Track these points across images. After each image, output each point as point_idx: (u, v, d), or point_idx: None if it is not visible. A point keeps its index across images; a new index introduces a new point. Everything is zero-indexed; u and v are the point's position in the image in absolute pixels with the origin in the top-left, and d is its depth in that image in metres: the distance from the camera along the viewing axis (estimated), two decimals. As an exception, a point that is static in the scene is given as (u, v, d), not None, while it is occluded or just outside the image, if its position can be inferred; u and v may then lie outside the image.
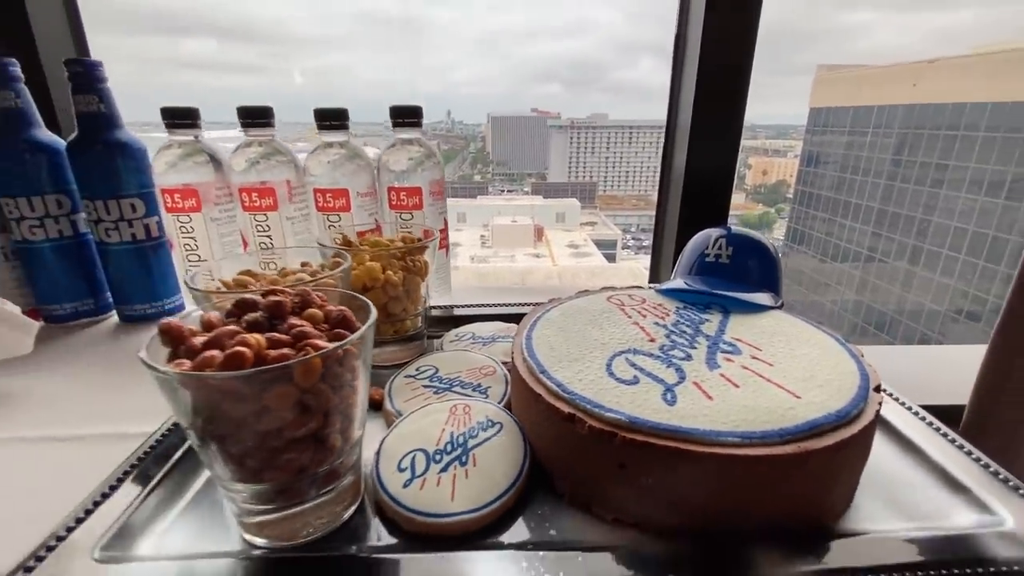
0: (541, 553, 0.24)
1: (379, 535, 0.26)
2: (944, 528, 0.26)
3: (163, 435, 0.33)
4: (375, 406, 0.36)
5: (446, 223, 0.57)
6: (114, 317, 0.57)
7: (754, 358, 0.31)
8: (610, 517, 0.26)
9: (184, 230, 0.52)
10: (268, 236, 0.53)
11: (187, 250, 0.53)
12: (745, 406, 0.26)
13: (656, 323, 0.36)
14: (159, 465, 0.30)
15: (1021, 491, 0.28)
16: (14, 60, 0.50)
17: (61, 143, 0.52)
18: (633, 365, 0.30)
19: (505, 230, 22.21)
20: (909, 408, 0.36)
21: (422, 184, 0.53)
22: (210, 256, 0.53)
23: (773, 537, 0.25)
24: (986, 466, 0.29)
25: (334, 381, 0.23)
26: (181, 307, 0.58)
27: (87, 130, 0.50)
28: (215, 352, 0.21)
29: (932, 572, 0.23)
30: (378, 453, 0.29)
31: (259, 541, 0.25)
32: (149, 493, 0.28)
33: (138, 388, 0.44)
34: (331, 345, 0.22)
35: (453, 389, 0.36)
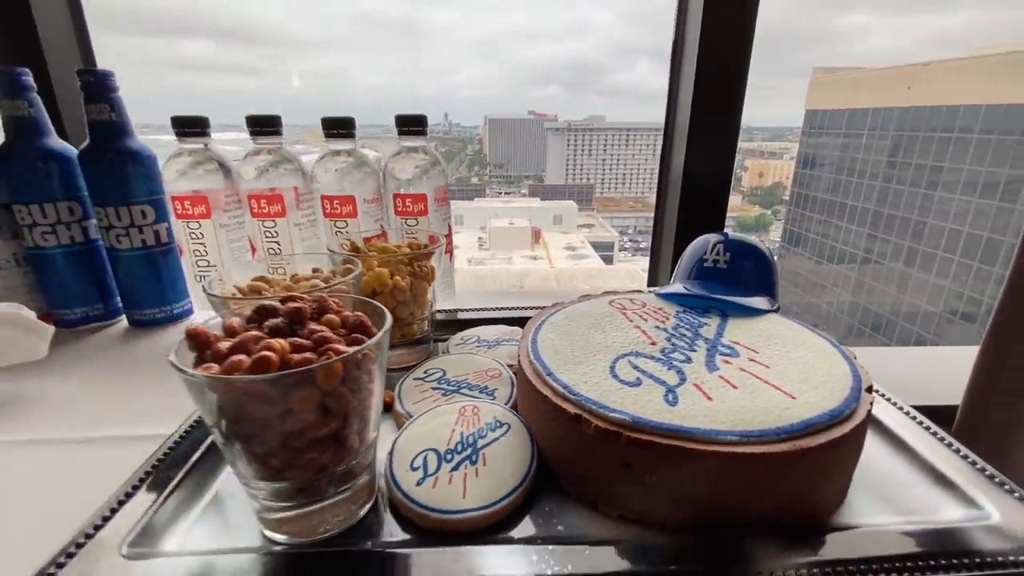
0: (550, 547, 0.25)
1: (393, 532, 0.27)
2: (933, 522, 0.27)
3: (180, 437, 0.34)
4: (386, 408, 0.38)
5: (450, 228, 0.58)
6: (123, 321, 0.58)
7: (751, 360, 0.32)
8: (615, 513, 0.27)
9: (194, 236, 0.53)
10: (276, 242, 0.54)
11: (196, 256, 0.54)
12: (743, 406, 0.27)
13: (657, 327, 0.37)
14: (178, 466, 0.31)
15: (1006, 487, 0.29)
16: (26, 70, 0.51)
17: (73, 151, 0.53)
18: (636, 367, 0.31)
19: (502, 232, 22.24)
20: (901, 408, 0.37)
21: (427, 191, 0.54)
22: (219, 262, 0.54)
23: (770, 531, 0.26)
24: (973, 463, 0.31)
25: (353, 384, 0.24)
26: (190, 311, 0.59)
27: (99, 138, 0.51)
28: (242, 357, 0.22)
29: (922, 563, 0.24)
30: (391, 453, 0.30)
31: (279, 537, 0.26)
32: (170, 493, 0.29)
33: (149, 391, 0.45)
34: (352, 349, 0.23)
35: (461, 391, 0.37)
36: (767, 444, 0.25)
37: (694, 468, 0.25)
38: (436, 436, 0.31)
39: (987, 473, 0.30)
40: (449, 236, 0.58)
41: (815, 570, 0.24)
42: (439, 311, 0.55)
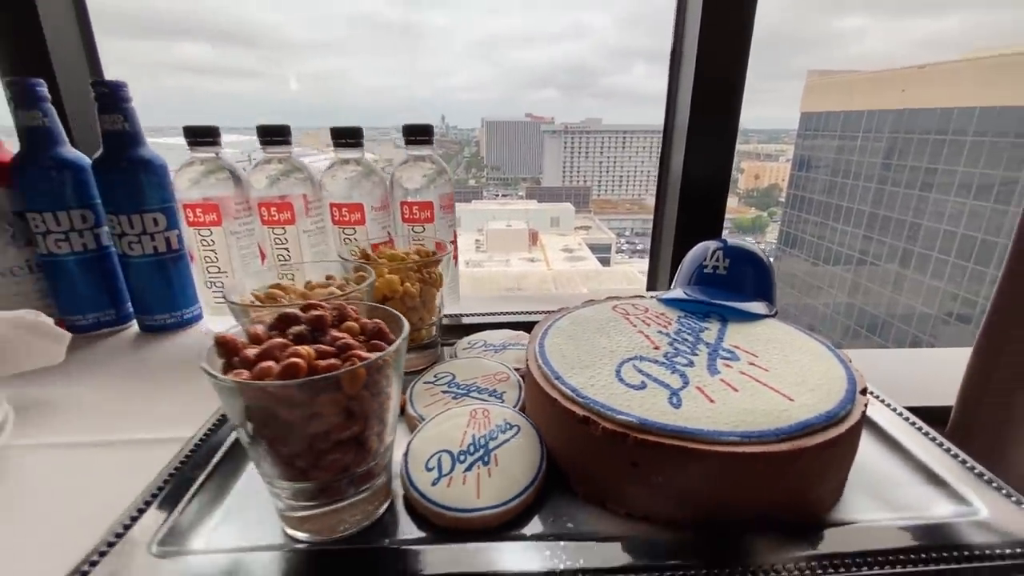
0: (562, 543, 0.26)
1: (410, 530, 0.28)
2: (925, 518, 0.28)
3: (200, 441, 0.35)
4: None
5: (455, 234, 0.59)
6: (134, 327, 0.59)
7: (751, 364, 0.33)
8: (623, 511, 0.29)
9: (205, 243, 0.54)
10: (286, 248, 0.55)
11: (207, 262, 0.55)
12: (744, 408, 0.28)
13: (659, 331, 0.38)
14: (200, 468, 0.32)
15: (994, 484, 0.30)
16: (41, 81, 0.52)
17: (86, 160, 0.54)
18: (640, 371, 0.33)
19: (500, 234, 22.27)
20: (894, 409, 0.38)
21: (433, 198, 0.55)
22: (229, 268, 0.55)
23: (770, 527, 0.27)
24: (963, 461, 0.32)
25: (373, 388, 0.25)
26: (199, 317, 0.60)
27: (112, 148, 0.52)
28: (271, 363, 0.23)
29: (914, 557, 0.25)
30: (406, 454, 0.31)
31: (301, 535, 0.27)
32: (194, 494, 0.30)
33: (163, 396, 0.46)
34: (374, 355, 0.24)
35: (470, 394, 0.39)
36: (767, 444, 0.26)
37: (698, 468, 0.26)
38: (449, 438, 0.32)
39: (976, 471, 0.31)
40: (454, 242, 0.59)
41: (813, 563, 0.25)
42: (445, 316, 0.56)
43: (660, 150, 0.78)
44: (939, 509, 0.29)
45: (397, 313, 0.29)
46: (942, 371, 0.54)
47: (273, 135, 0.53)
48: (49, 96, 0.52)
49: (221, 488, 0.31)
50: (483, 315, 0.57)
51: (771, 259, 0.47)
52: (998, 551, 0.26)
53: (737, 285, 0.45)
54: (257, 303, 0.35)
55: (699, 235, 0.77)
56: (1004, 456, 0.49)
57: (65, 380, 0.47)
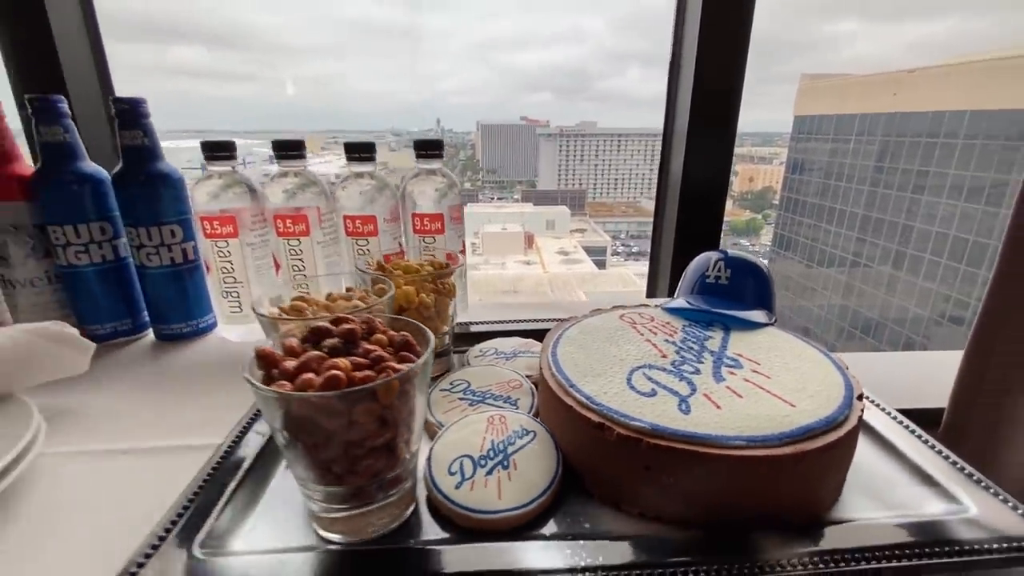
0: (581, 542, 0.28)
1: (435, 531, 0.30)
2: (918, 516, 0.30)
3: (229, 447, 0.36)
4: (416, 418, 0.40)
5: (464, 244, 0.61)
6: (150, 335, 0.61)
7: (754, 371, 0.35)
8: (636, 512, 0.30)
9: (222, 254, 0.55)
10: (300, 259, 0.57)
11: (223, 273, 0.56)
12: (749, 414, 0.30)
13: (666, 340, 0.40)
14: (232, 474, 0.34)
15: (983, 484, 0.32)
16: (62, 97, 0.53)
17: (105, 173, 0.55)
18: (650, 379, 0.34)
19: (495, 237, 22.29)
20: (888, 413, 0.40)
21: (443, 210, 0.57)
22: (245, 279, 0.57)
23: (774, 525, 0.29)
24: (954, 463, 0.34)
25: (403, 397, 0.27)
26: (214, 325, 0.62)
27: (131, 162, 0.54)
28: (312, 375, 0.25)
29: (908, 552, 0.27)
30: (429, 460, 0.33)
31: (333, 537, 0.29)
32: (229, 499, 0.31)
33: (184, 403, 0.47)
34: (407, 367, 0.26)
35: (486, 401, 0.40)
36: (771, 448, 0.28)
37: (707, 470, 0.28)
38: (469, 443, 0.34)
39: (966, 472, 0.33)
40: (464, 252, 0.61)
41: (815, 559, 0.27)
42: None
43: (660, 154, 0.80)
44: (931, 508, 0.31)
45: (423, 326, 0.31)
46: (935, 374, 0.56)
47: (289, 149, 0.55)
48: (70, 112, 0.54)
49: (253, 493, 0.33)
50: (491, 323, 0.59)
51: (766, 263, 0.49)
52: (986, 546, 0.28)
53: (738, 294, 0.47)
54: (284, 315, 0.37)
55: (699, 238, 0.79)
56: (996, 456, 0.51)
57: (85, 389, 0.48)
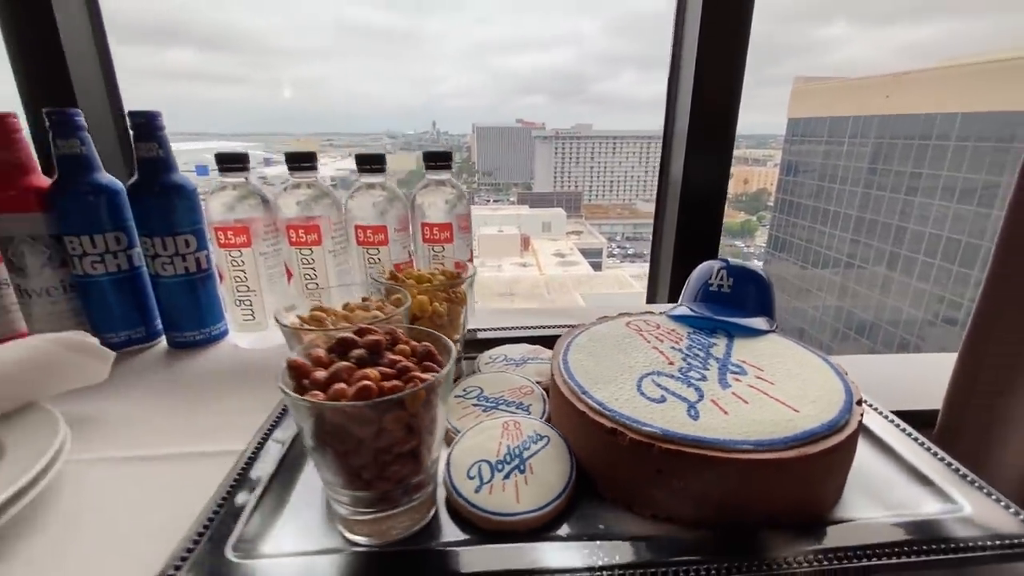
0: (597, 542, 0.29)
1: (455, 533, 0.31)
2: (915, 515, 0.32)
3: (252, 453, 0.37)
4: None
5: (471, 253, 0.62)
6: (162, 343, 0.62)
7: (758, 378, 0.37)
8: (648, 513, 0.32)
9: (235, 263, 0.57)
10: (312, 268, 0.58)
11: (236, 281, 0.57)
12: (755, 419, 0.32)
13: (672, 347, 0.42)
14: (258, 478, 0.35)
15: (976, 484, 0.34)
16: (78, 111, 0.54)
17: (119, 184, 0.57)
18: (659, 386, 0.36)
19: (491, 240, 22.32)
20: (885, 416, 0.42)
21: (452, 220, 0.59)
22: (258, 287, 0.58)
23: (780, 525, 0.30)
24: (949, 464, 0.36)
25: (427, 406, 0.28)
26: (225, 333, 0.63)
27: (146, 173, 0.55)
28: (343, 385, 0.26)
29: (907, 549, 0.29)
30: (448, 464, 0.34)
31: (360, 539, 0.30)
32: (257, 503, 0.33)
33: (200, 409, 0.48)
34: (432, 376, 0.27)
35: (499, 407, 0.42)
36: (777, 452, 0.29)
37: (716, 473, 0.30)
38: (485, 448, 0.35)
39: (960, 472, 0.35)
40: (471, 260, 0.62)
41: (819, 556, 0.28)
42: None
43: (660, 158, 0.82)
44: (928, 507, 0.33)
45: (443, 337, 0.32)
46: (930, 375, 0.58)
47: (301, 161, 0.56)
48: (86, 125, 0.55)
49: (279, 497, 0.34)
50: (497, 329, 0.60)
51: (763, 266, 0.50)
52: (980, 543, 0.29)
53: (740, 302, 0.48)
54: (306, 326, 0.38)
55: (699, 240, 0.81)
56: (989, 456, 0.52)
57: (103, 396, 0.49)
